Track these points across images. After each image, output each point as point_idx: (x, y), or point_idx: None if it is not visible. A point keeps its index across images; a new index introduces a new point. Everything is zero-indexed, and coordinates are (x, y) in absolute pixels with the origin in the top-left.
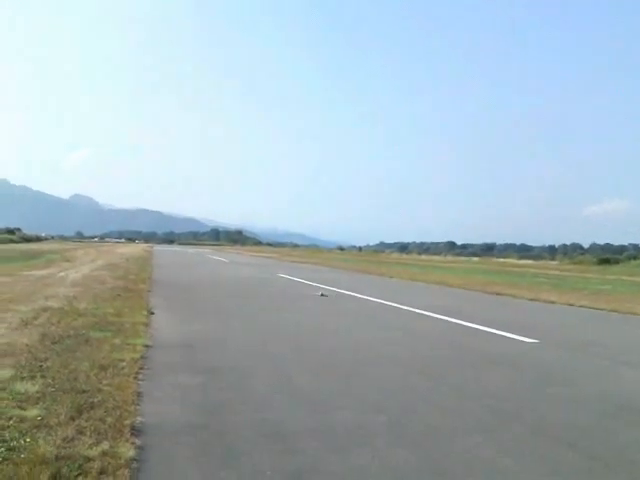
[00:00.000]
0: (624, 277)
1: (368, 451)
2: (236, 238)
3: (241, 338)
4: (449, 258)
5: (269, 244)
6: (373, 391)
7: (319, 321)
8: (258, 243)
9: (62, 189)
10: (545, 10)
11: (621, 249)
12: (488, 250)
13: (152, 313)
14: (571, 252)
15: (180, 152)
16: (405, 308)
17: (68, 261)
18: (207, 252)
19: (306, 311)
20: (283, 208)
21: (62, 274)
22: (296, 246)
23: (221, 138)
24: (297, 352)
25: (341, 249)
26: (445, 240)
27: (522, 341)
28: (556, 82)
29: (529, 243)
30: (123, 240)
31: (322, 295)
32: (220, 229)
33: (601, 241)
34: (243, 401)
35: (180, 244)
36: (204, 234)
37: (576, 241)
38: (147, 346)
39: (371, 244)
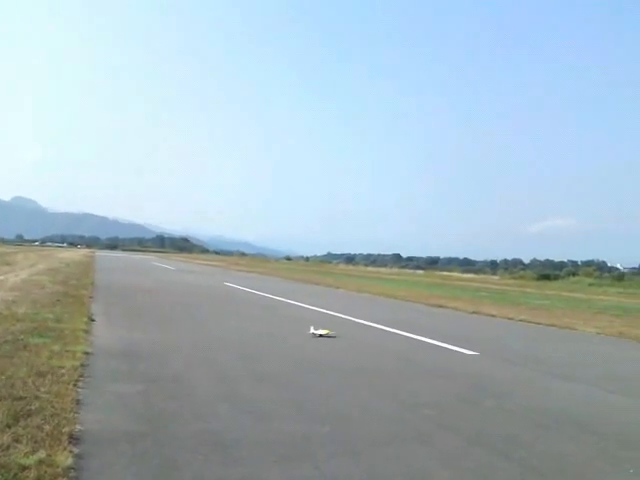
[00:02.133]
0: (563, 293)
1: (311, 461)
2: (182, 245)
3: (184, 346)
4: (395, 270)
5: (216, 252)
6: (317, 402)
7: (263, 328)
8: (205, 251)
9: (2, 191)
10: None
11: (561, 265)
12: (432, 263)
13: (93, 320)
14: (512, 267)
15: (127, 156)
16: (351, 319)
17: (8, 264)
18: (152, 259)
19: (251, 320)
20: (231, 216)
21: (1, 278)
22: (243, 255)
23: (170, 144)
24: (241, 360)
25: (288, 259)
26: (391, 252)
27: (463, 353)
28: (505, 98)
29: (472, 257)
30: (65, 245)
31: (320, 336)
32: (166, 236)
33: (542, 257)
34: (184, 410)
35: (124, 250)
36: (149, 241)
37: (517, 257)
38: (87, 353)
39: (319, 254)
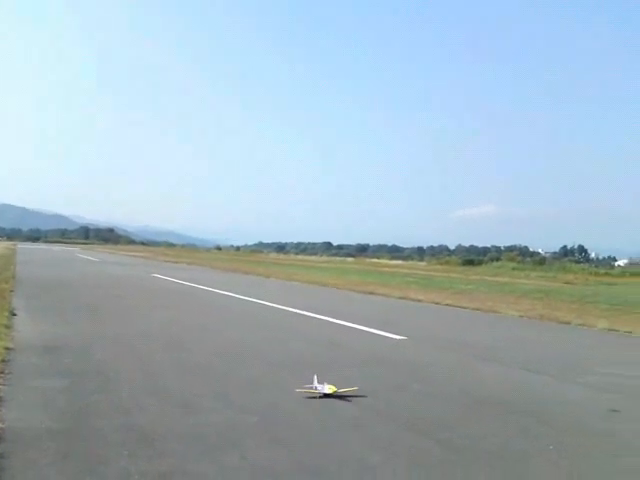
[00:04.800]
0: (487, 277)
1: (238, 451)
2: (107, 237)
3: (110, 340)
4: (325, 258)
5: (143, 243)
6: (245, 393)
7: (192, 321)
8: (131, 242)
9: None
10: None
11: (484, 251)
12: (362, 251)
13: (14, 314)
14: (438, 253)
15: (48, 144)
16: (280, 307)
17: None
18: (76, 251)
19: (180, 311)
20: (159, 206)
21: None
22: (172, 245)
23: (94, 131)
24: (168, 353)
25: (219, 248)
26: (322, 241)
27: (392, 338)
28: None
29: (400, 244)
30: None
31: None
32: (90, 227)
33: (466, 243)
34: (110, 405)
35: (47, 242)
36: (73, 232)
37: (443, 243)
38: (9, 349)
39: (249, 244)
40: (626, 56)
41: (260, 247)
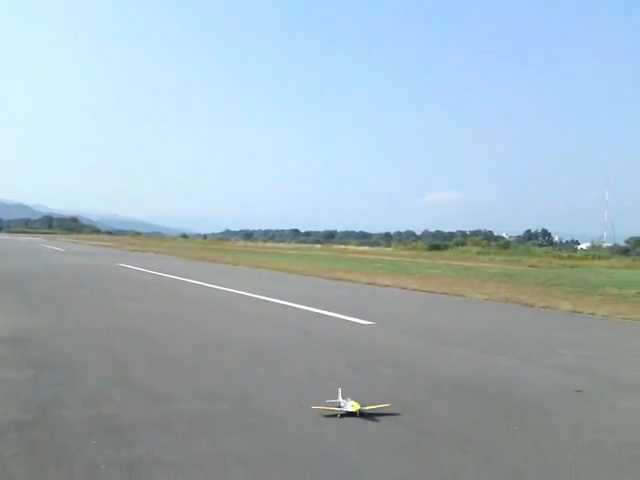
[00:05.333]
0: (453, 262)
1: (208, 439)
2: (72, 226)
3: (76, 330)
4: (293, 245)
5: (108, 232)
6: (214, 381)
7: (159, 310)
8: (96, 231)
9: None
10: None
11: (450, 236)
12: (330, 237)
13: None
14: (405, 239)
15: (8, 129)
16: (249, 295)
17: None
18: (40, 241)
19: (147, 301)
20: (124, 195)
21: None
22: (138, 234)
23: (56, 118)
24: (135, 343)
25: (185, 237)
26: (290, 228)
27: (360, 324)
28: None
29: (367, 230)
30: None
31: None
32: (54, 216)
33: (433, 228)
34: (76, 396)
35: (9, 232)
36: (36, 222)
37: (410, 228)
38: None
39: (217, 232)
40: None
41: (227, 235)
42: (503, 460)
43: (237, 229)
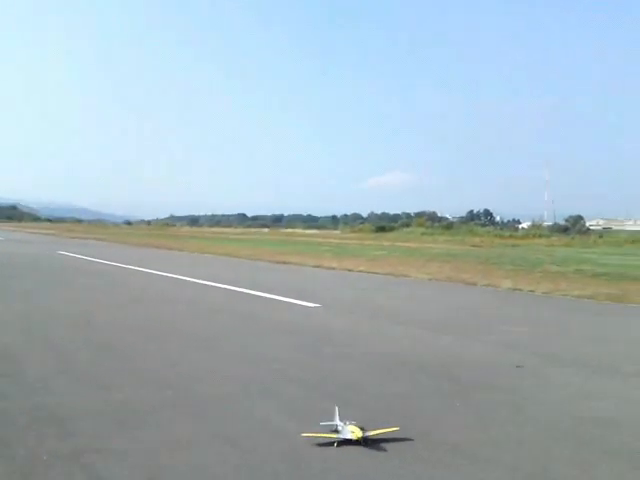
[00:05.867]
0: (398, 243)
1: (153, 425)
2: (10, 214)
3: (15, 320)
4: (240, 230)
5: (49, 220)
6: (159, 368)
7: (98, 297)
8: (36, 219)
9: None
10: None
11: (396, 217)
12: (277, 221)
13: None
14: (352, 221)
15: None
16: (194, 281)
17: None
18: None
19: (88, 289)
20: (65, 182)
21: None
22: (79, 221)
23: None
24: (75, 329)
25: (128, 223)
26: (236, 212)
27: (306, 306)
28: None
29: (315, 214)
30: None
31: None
32: None
33: (378, 210)
34: (16, 387)
35: None
36: None
37: (356, 211)
38: None
39: (161, 217)
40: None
41: (172, 220)
42: (443, 435)
43: (182, 214)
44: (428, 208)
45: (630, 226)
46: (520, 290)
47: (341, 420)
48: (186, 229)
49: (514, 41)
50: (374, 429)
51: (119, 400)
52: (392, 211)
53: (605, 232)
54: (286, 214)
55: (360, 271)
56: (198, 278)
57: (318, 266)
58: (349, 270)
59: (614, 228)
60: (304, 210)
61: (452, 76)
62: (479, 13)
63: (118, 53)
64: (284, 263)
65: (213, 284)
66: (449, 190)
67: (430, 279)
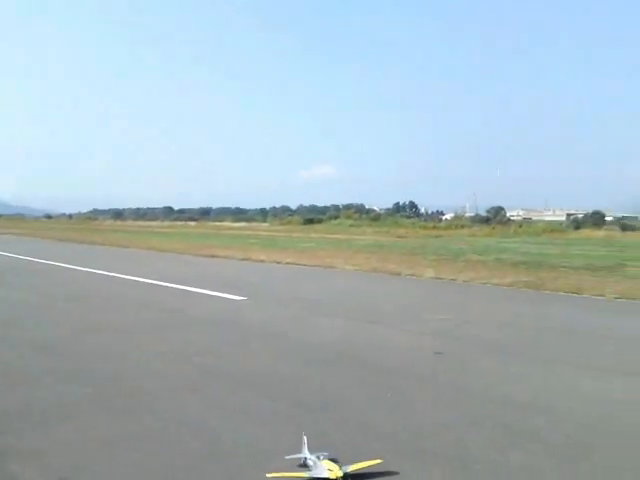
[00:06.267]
0: (326, 235)
1: (71, 423)
2: None
3: None
4: (166, 223)
5: None
6: (81, 365)
7: (15, 296)
8: None
9: None
10: None
11: (324, 210)
12: (205, 214)
13: None
14: (281, 214)
15: None
16: (118, 276)
17: None
18: None
19: (2, 287)
20: None
21: None
22: None
23: None
24: None
25: (49, 217)
26: (162, 205)
27: (233, 299)
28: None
29: (243, 207)
30: None
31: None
32: None
33: (307, 203)
34: None
35: None
36: None
37: (285, 204)
38: None
39: (83, 211)
40: None
41: (95, 214)
42: (366, 421)
43: (106, 208)
44: (357, 200)
45: (549, 216)
46: (442, 279)
47: (311, 452)
48: (109, 223)
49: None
50: (353, 463)
51: (38, 397)
52: (321, 203)
53: (525, 222)
54: (214, 207)
55: (288, 263)
56: (120, 273)
57: (246, 259)
58: (277, 262)
59: (534, 218)
60: (232, 203)
61: (389, 62)
62: None
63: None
64: (212, 257)
65: (136, 279)
66: (375, 183)
67: (357, 270)
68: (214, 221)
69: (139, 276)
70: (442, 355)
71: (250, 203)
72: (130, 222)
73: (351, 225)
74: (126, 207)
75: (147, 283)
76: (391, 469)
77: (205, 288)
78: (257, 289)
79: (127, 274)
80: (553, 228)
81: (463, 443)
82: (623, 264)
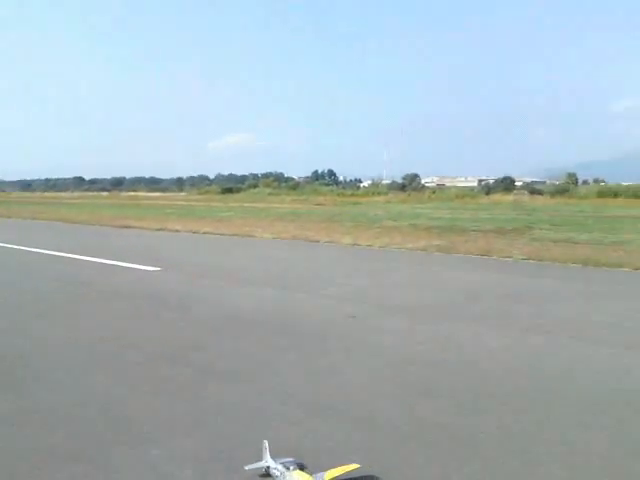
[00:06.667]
0: (245, 204)
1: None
2: None
3: None
4: (77, 194)
5: None
6: None
7: None
8: None
9: None
10: None
11: (243, 179)
12: (118, 184)
13: None
14: (198, 183)
15: None
16: (21, 248)
17: None
18: None
19: None
20: None
21: None
22: None
23: None
24: None
25: None
26: (73, 176)
27: (145, 270)
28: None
29: (158, 176)
30: None
31: None
32: None
33: (225, 172)
34: None
35: None
36: None
37: (203, 173)
38: None
39: None
40: None
41: (1, 186)
42: (278, 386)
43: (13, 179)
44: (276, 169)
45: (461, 182)
46: (359, 245)
47: (274, 459)
48: (16, 194)
49: None
50: (328, 469)
51: None
52: (239, 172)
53: (438, 188)
54: (128, 177)
55: (205, 232)
56: (25, 246)
57: (161, 229)
58: (194, 232)
59: (447, 185)
60: (147, 172)
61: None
62: None
63: None
64: (125, 227)
65: (43, 251)
66: (295, 152)
67: (275, 238)
68: (128, 191)
69: (44, 248)
70: (354, 318)
71: (165, 172)
72: (39, 194)
73: (270, 194)
74: (35, 178)
75: (55, 255)
76: (372, 473)
77: (116, 260)
78: (171, 259)
79: (30, 246)
80: (465, 194)
81: (372, 400)
82: (530, 227)
